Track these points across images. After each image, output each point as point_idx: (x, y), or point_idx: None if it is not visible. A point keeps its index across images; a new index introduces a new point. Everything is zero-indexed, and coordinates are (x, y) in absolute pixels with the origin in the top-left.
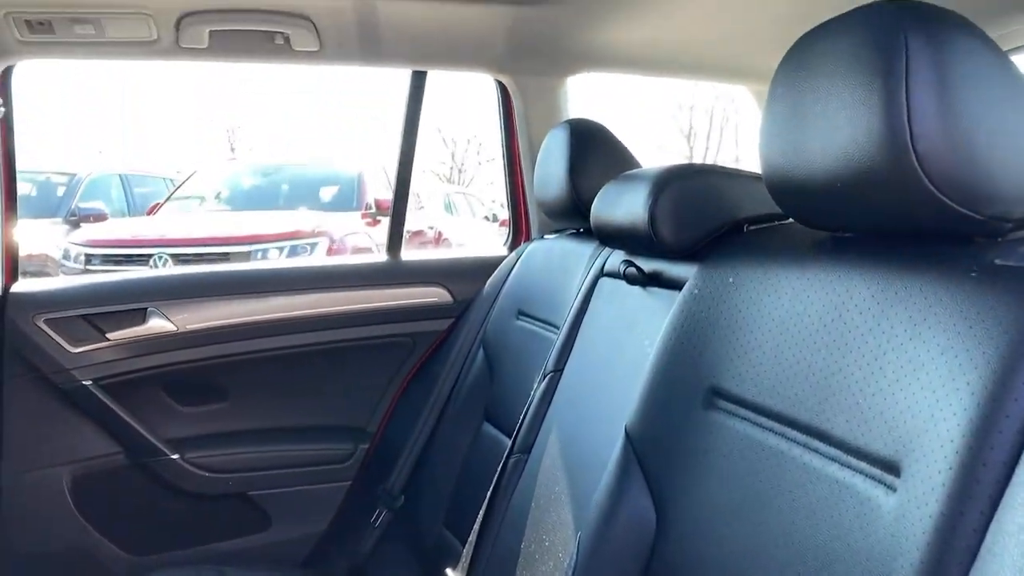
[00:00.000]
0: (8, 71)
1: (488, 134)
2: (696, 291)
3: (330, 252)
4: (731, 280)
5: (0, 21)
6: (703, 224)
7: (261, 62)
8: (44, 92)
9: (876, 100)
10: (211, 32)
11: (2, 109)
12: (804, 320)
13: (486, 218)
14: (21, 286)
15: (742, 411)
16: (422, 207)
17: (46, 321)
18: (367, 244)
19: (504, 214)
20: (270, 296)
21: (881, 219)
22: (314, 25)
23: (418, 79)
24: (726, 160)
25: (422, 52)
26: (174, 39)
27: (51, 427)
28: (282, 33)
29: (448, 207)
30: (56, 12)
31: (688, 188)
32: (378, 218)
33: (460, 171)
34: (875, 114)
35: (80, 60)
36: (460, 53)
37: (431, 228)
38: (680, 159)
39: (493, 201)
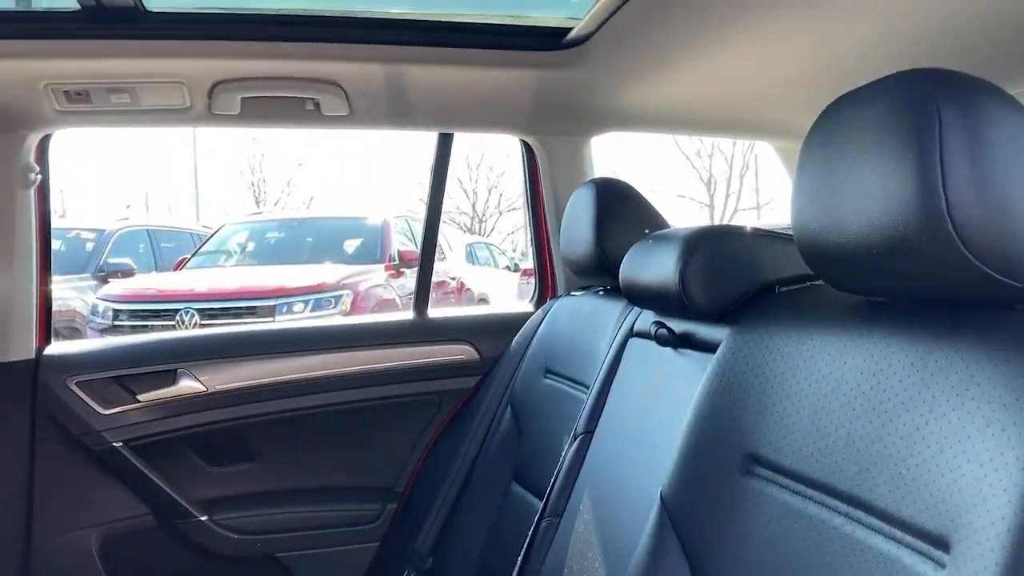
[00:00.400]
0: (46, 139)
1: (508, 184)
2: (729, 355)
3: (354, 304)
4: (765, 344)
5: (40, 92)
6: (735, 286)
7: (292, 127)
8: (71, 150)
9: (910, 169)
10: (243, 99)
11: (39, 176)
12: (842, 387)
13: (507, 268)
14: (53, 349)
15: (780, 478)
16: (444, 258)
17: (78, 383)
18: (391, 296)
19: (525, 264)
20: (299, 356)
21: (917, 286)
22: (344, 91)
23: (444, 140)
24: (746, 207)
25: (449, 115)
26: (207, 106)
27: (81, 489)
28: (312, 99)
29: (470, 257)
30: (93, 83)
31: (719, 249)
32: (401, 270)
33: (481, 221)
34: (909, 182)
35: (114, 128)
36: (486, 116)
37: (453, 279)
38: (701, 207)
39: (514, 251)
